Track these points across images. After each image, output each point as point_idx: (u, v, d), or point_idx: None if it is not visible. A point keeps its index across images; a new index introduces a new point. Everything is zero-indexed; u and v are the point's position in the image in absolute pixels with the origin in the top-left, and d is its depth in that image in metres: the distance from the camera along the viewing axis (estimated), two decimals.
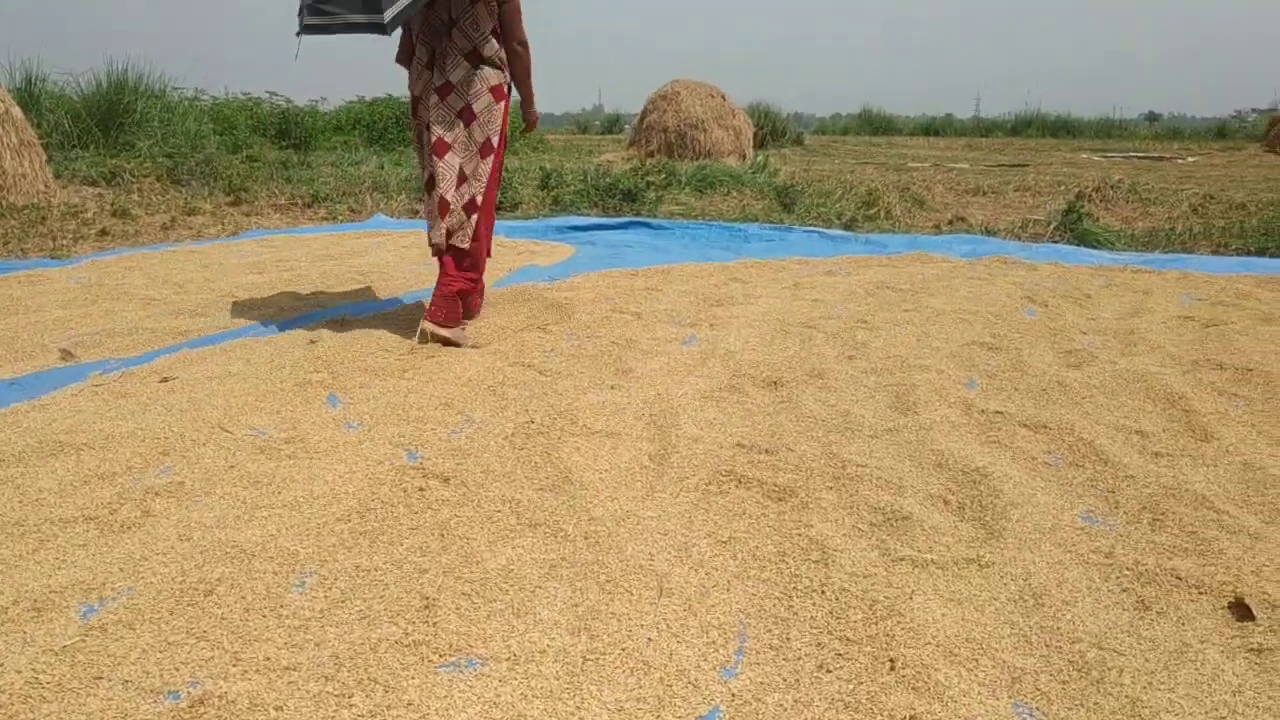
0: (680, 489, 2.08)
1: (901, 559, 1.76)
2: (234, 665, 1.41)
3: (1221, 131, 23.70)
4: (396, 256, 5.14)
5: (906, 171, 11.54)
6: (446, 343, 3.24)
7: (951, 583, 1.69)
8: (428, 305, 3.31)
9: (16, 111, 6.96)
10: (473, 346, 3.25)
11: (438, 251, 3.35)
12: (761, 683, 1.40)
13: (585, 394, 2.72)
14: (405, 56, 3.43)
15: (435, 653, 1.46)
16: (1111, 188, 8.03)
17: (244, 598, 1.60)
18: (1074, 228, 6.10)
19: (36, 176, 6.85)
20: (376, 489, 2.05)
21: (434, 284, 3.35)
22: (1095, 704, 1.35)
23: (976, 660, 1.45)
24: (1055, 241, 5.98)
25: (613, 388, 2.79)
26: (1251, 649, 1.48)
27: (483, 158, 3.32)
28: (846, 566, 1.72)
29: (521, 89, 3.44)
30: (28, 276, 4.37)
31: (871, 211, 7.11)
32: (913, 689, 1.38)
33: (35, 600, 1.58)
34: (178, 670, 1.40)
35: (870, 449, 2.31)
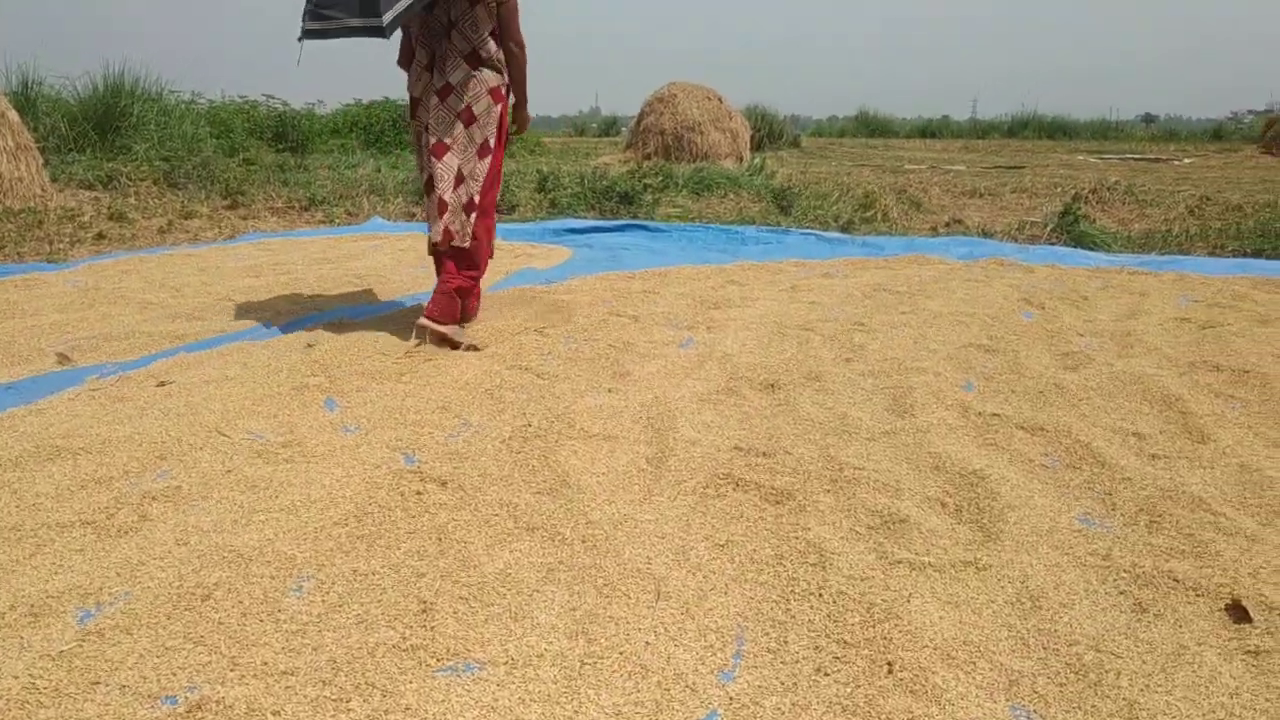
0: (678, 492, 2.08)
1: (899, 562, 1.76)
2: (231, 670, 1.41)
3: (1218, 133, 23.76)
4: (393, 260, 5.14)
5: (903, 174, 11.56)
6: (444, 339, 3.25)
7: (949, 585, 1.69)
8: (426, 304, 3.32)
9: (13, 115, 6.96)
10: (470, 345, 3.26)
11: (436, 251, 3.36)
12: (759, 686, 1.40)
13: (583, 397, 2.72)
14: (406, 60, 3.45)
15: (433, 657, 1.45)
16: (1108, 189, 8.04)
17: (241, 602, 1.60)
18: (1071, 230, 6.12)
19: (33, 180, 6.84)
20: (374, 493, 2.05)
21: (431, 286, 3.35)
22: (1093, 706, 1.36)
23: (974, 663, 1.45)
24: (1052, 243, 5.99)
25: (610, 391, 2.79)
26: (1249, 651, 1.48)
27: (480, 158, 3.33)
28: (844, 569, 1.73)
29: (516, 90, 3.45)
30: (24, 280, 4.36)
31: (868, 214, 7.12)
32: (910, 692, 1.38)
33: (32, 605, 1.58)
34: (175, 675, 1.40)
35: (867, 451, 2.32)
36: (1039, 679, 1.42)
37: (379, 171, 9.62)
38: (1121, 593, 1.67)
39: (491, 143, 3.35)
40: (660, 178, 8.61)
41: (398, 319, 3.66)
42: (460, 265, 3.37)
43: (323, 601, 1.61)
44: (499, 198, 3.78)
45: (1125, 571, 1.73)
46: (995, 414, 2.57)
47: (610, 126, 28.21)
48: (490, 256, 3.61)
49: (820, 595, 1.65)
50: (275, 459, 2.24)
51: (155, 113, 10.04)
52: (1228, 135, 23.16)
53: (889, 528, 1.91)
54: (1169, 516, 1.95)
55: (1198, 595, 1.65)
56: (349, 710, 1.33)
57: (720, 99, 13.35)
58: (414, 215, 7.13)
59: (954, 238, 6.13)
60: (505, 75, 3.37)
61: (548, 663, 1.45)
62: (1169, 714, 1.34)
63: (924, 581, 1.70)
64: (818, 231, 6.31)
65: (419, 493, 2.06)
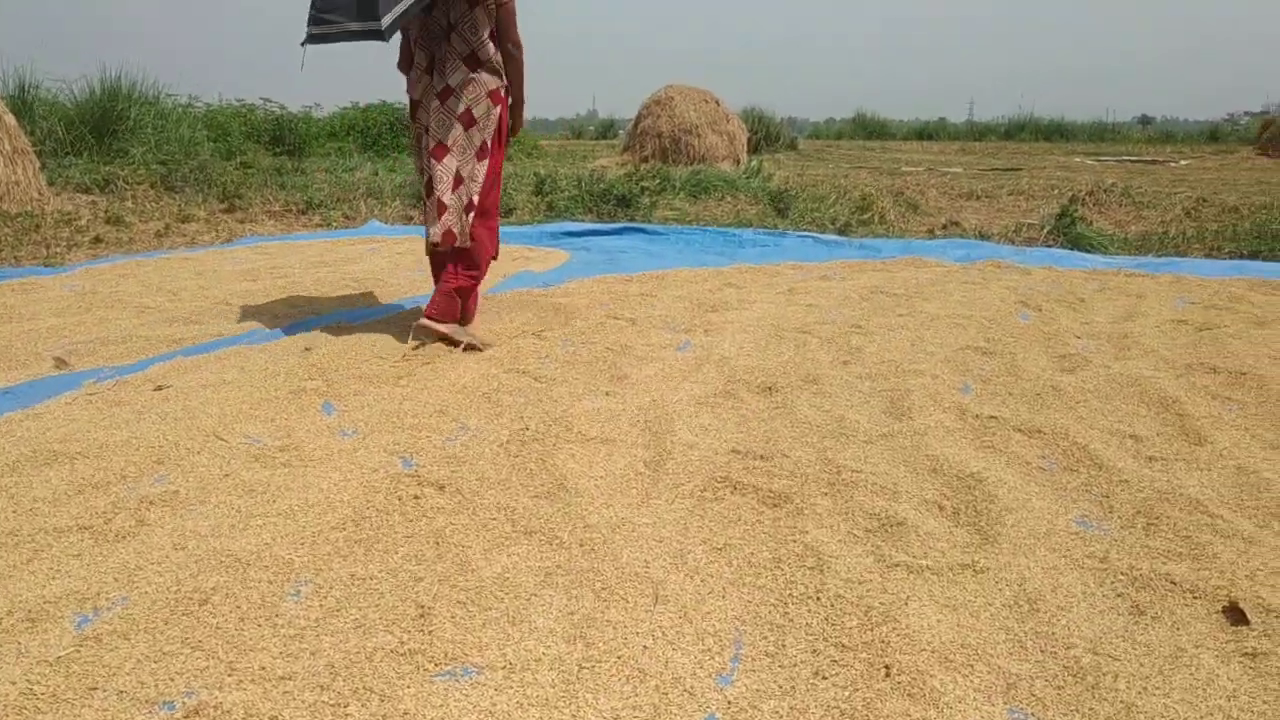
0: (675, 495, 2.08)
1: (896, 565, 1.76)
2: (229, 675, 1.41)
3: (1214, 135, 23.81)
4: (391, 263, 5.14)
5: (900, 176, 11.57)
6: (444, 338, 3.25)
7: (946, 588, 1.69)
8: (426, 305, 3.34)
9: (10, 119, 6.95)
10: (470, 344, 3.27)
11: (436, 252, 3.37)
12: (757, 690, 1.40)
13: (580, 400, 2.72)
14: (406, 63, 3.46)
15: (431, 661, 1.45)
16: (1105, 191, 8.06)
17: (239, 607, 1.60)
18: (1067, 232, 6.13)
19: (30, 184, 6.84)
20: (371, 497, 2.05)
21: (429, 289, 3.36)
22: (1090, 709, 1.36)
23: (972, 666, 1.46)
24: (1049, 246, 5.99)
25: (608, 394, 2.79)
26: (1246, 653, 1.49)
27: (479, 161, 3.34)
28: (842, 573, 1.73)
29: (515, 91, 3.46)
30: (21, 285, 4.36)
31: (865, 216, 7.12)
32: (908, 695, 1.38)
33: (30, 611, 1.57)
34: (173, 680, 1.40)
35: (865, 454, 2.32)
36: (1037, 682, 1.42)
37: (376, 175, 9.62)
38: (1119, 595, 1.67)
39: (490, 145, 3.36)
40: (657, 180, 8.61)
41: (395, 322, 3.66)
42: (461, 265, 3.38)
43: (320, 606, 1.61)
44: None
45: (1122, 574, 1.74)
46: (992, 416, 2.58)
47: (607, 129, 28.23)
48: (495, 257, 3.62)
49: (818, 598, 1.65)
50: (273, 463, 2.24)
51: (152, 116, 10.04)
52: (1224, 137, 23.22)
53: (886, 531, 1.91)
54: (1166, 519, 1.95)
55: (1195, 597, 1.65)
56: (347, 715, 1.33)
57: (717, 101, 13.37)
58: (411, 218, 7.13)
59: (951, 240, 6.14)
60: (504, 77, 3.38)
61: (546, 667, 1.45)
62: (1167, 716, 1.34)
63: (921, 584, 1.70)
64: (815, 234, 6.32)
65: (416, 497, 2.05)
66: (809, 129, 33.07)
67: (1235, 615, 1.59)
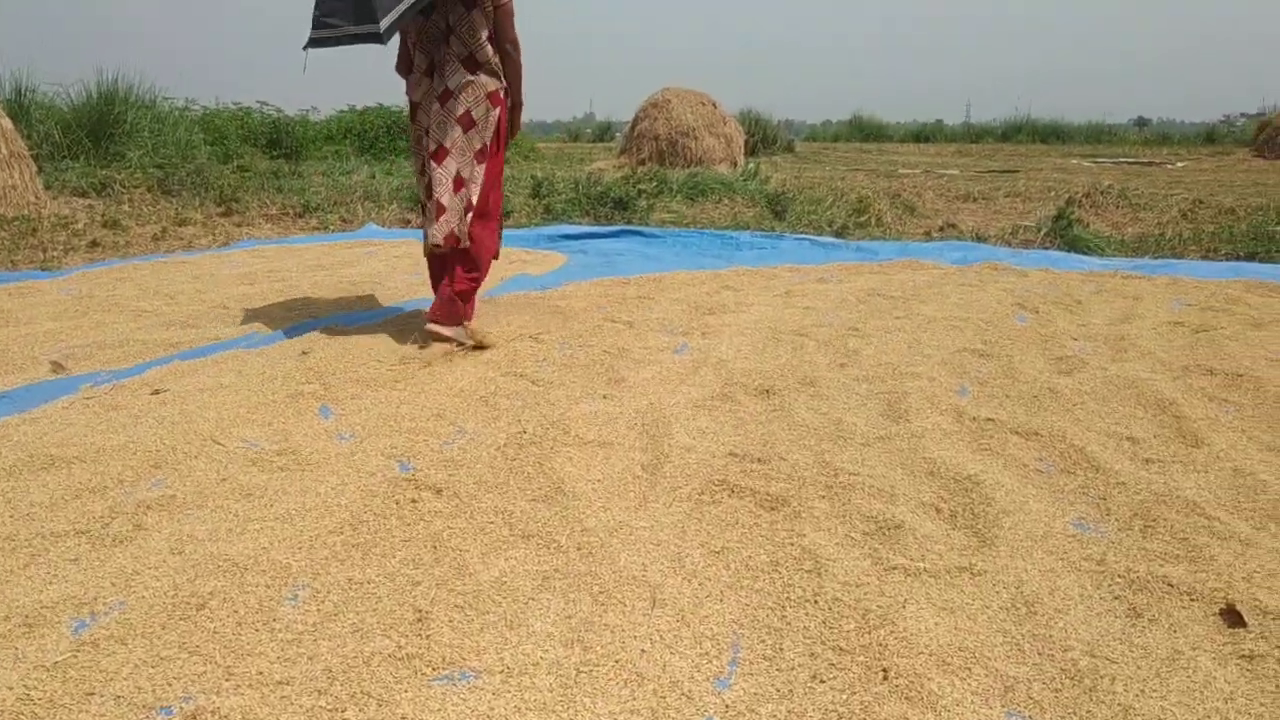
0: (673, 499, 2.08)
1: (894, 568, 1.76)
2: (226, 680, 1.41)
3: (1210, 136, 23.85)
4: (388, 266, 5.14)
5: (897, 178, 11.58)
6: (449, 341, 3.30)
7: (944, 591, 1.69)
8: (429, 310, 3.38)
9: (6, 123, 6.94)
10: (479, 343, 3.31)
11: (437, 254, 3.39)
12: (755, 693, 1.40)
13: (577, 404, 2.72)
14: (404, 66, 3.47)
15: (428, 666, 1.45)
16: (1101, 193, 8.07)
17: (236, 611, 1.60)
18: (1064, 234, 6.13)
19: (26, 188, 6.83)
20: (369, 501, 2.05)
21: (426, 293, 3.37)
22: (1088, 712, 1.36)
23: (969, 669, 1.46)
24: (1046, 248, 6.00)
25: (605, 397, 2.79)
26: (1243, 656, 1.49)
27: (479, 163, 3.35)
28: (839, 576, 1.73)
29: (513, 93, 3.47)
30: (18, 288, 4.35)
31: (862, 219, 7.13)
32: (906, 699, 1.38)
33: (26, 616, 1.57)
34: (170, 685, 1.40)
35: (862, 457, 2.32)
36: (1034, 685, 1.42)
37: (373, 178, 9.61)
38: (1116, 598, 1.67)
39: (490, 147, 3.37)
40: (655, 183, 8.62)
41: (393, 325, 3.66)
42: (464, 269, 3.40)
43: (318, 610, 1.61)
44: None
45: (1120, 576, 1.74)
46: (989, 419, 2.58)
47: (604, 132, 28.23)
48: (495, 258, 3.63)
49: (815, 602, 1.65)
50: (270, 467, 2.24)
51: (149, 120, 10.03)
52: (1220, 138, 23.26)
53: (884, 534, 1.91)
54: (1163, 521, 1.95)
55: (1192, 600, 1.66)
56: None
57: (714, 104, 13.37)
58: (409, 222, 7.13)
59: (948, 242, 6.15)
60: (503, 79, 3.39)
61: (543, 671, 1.45)
62: (1164, 719, 1.34)
63: (919, 587, 1.70)
64: (812, 236, 6.32)
65: (414, 500, 2.05)
66: (806, 131, 33.11)
67: (1232, 617, 1.59)
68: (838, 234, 6.59)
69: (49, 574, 1.72)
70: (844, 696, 1.39)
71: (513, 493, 2.12)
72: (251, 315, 3.85)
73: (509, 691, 1.39)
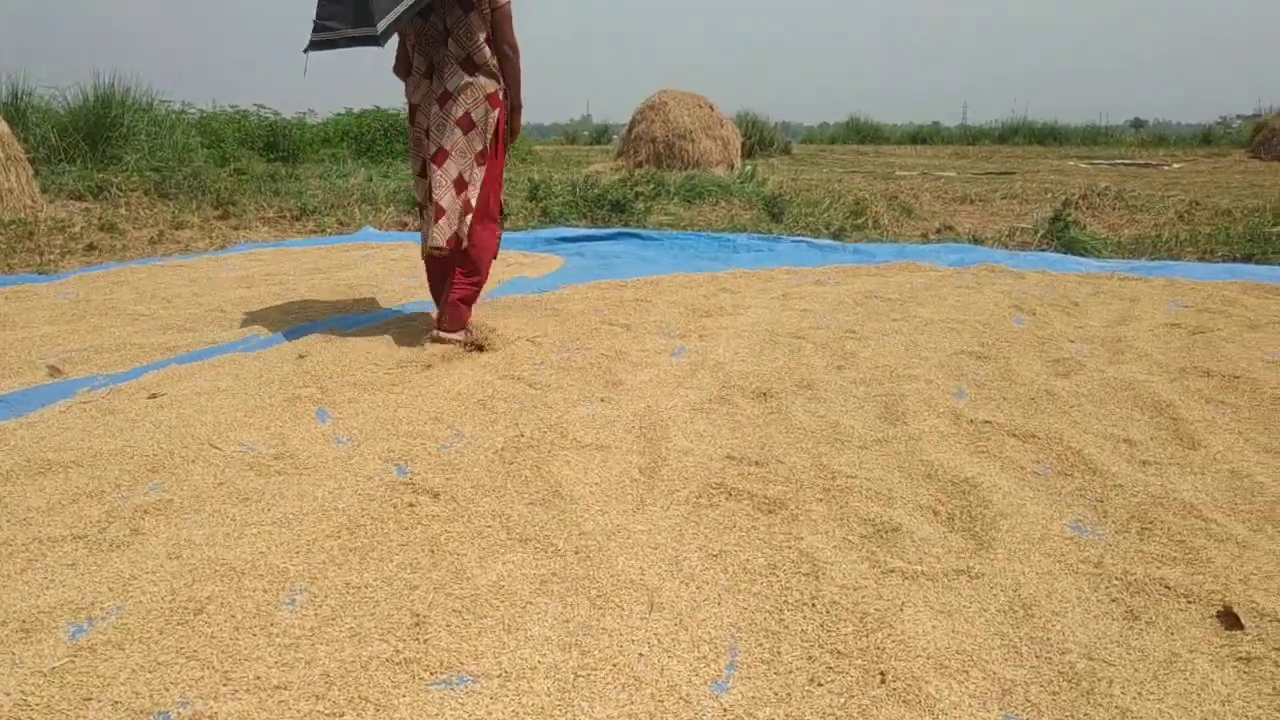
0: (670, 502, 2.08)
1: (891, 571, 1.77)
2: (224, 685, 1.41)
3: (1207, 138, 23.92)
4: (385, 269, 5.13)
5: (894, 180, 11.60)
6: (458, 344, 3.36)
7: (941, 594, 1.69)
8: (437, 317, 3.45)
9: (2, 126, 6.95)
10: (486, 343, 3.36)
11: (437, 256, 3.39)
12: (753, 697, 1.40)
13: (575, 407, 2.72)
14: (403, 68, 3.48)
15: (426, 670, 1.45)
16: (1098, 195, 8.09)
17: (234, 616, 1.60)
18: (1061, 235, 6.14)
19: (23, 191, 6.83)
20: (366, 505, 2.04)
21: (424, 296, 3.38)
22: (1086, 714, 1.36)
23: (967, 672, 1.46)
24: (1043, 249, 6.01)
25: (602, 400, 2.79)
26: (1240, 658, 1.49)
27: (478, 165, 3.36)
28: (837, 579, 1.73)
29: (511, 95, 3.47)
30: (14, 292, 4.35)
31: (859, 221, 7.14)
32: (904, 702, 1.38)
33: (23, 621, 1.57)
34: (167, 690, 1.39)
35: (860, 460, 2.32)
36: (1032, 688, 1.42)
37: (370, 181, 9.62)
38: (1113, 600, 1.68)
39: (490, 149, 3.37)
40: (652, 185, 8.63)
41: (390, 329, 3.66)
42: (464, 272, 3.41)
43: (315, 615, 1.61)
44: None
45: (1117, 579, 1.74)
46: (987, 421, 2.58)
47: (602, 134, 28.26)
48: (494, 256, 3.64)
49: (813, 605, 1.65)
50: (267, 471, 2.24)
51: (146, 123, 10.03)
52: (1217, 140, 23.33)
53: (881, 536, 1.91)
54: (1160, 523, 1.96)
55: (1189, 602, 1.66)
56: None
57: (711, 106, 13.38)
58: (406, 225, 7.13)
59: (945, 244, 6.15)
60: (502, 81, 3.40)
61: (541, 675, 1.44)
62: None
63: (916, 590, 1.70)
64: (809, 239, 6.33)
65: (411, 504, 2.05)
66: (803, 133, 33.17)
67: (1229, 620, 1.59)
68: (835, 236, 6.60)
69: (46, 579, 1.72)
70: (842, 700, 1.39)
71: (510, 496, 2.11)
72: (248, 319, 3.85)
73: (507, 695, 1.39)
